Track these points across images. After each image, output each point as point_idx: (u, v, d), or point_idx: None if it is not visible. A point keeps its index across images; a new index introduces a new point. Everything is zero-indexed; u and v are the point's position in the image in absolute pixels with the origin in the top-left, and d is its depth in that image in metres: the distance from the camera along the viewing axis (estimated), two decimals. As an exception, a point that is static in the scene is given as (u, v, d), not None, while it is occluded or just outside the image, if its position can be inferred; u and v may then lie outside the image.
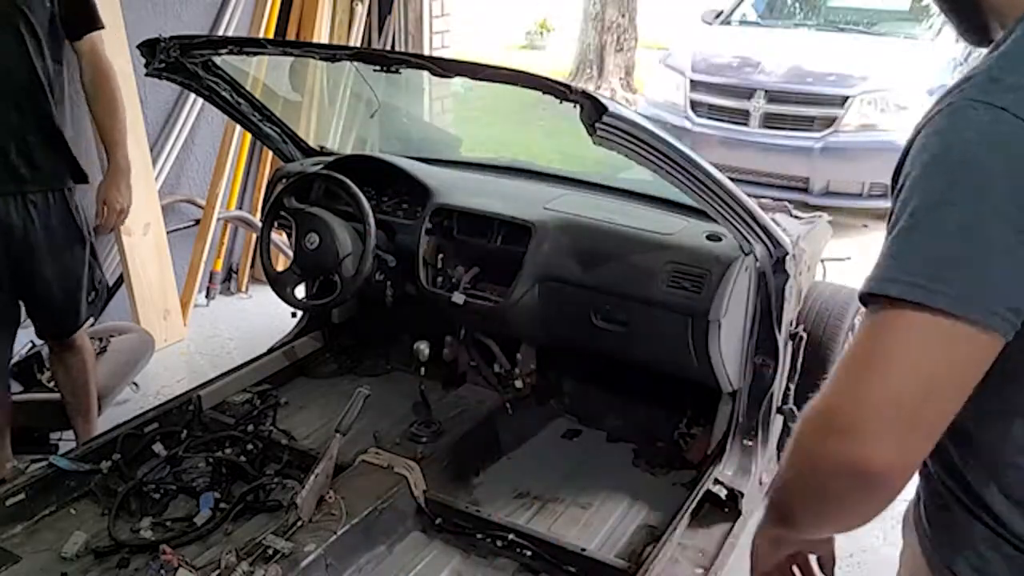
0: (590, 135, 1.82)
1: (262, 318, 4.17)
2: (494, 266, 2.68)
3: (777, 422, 2.60)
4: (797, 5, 7.08)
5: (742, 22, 6.77)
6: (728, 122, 5.68)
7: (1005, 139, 0.85)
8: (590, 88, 2.35)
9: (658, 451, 2.79)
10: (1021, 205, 0.84)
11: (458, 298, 2.64)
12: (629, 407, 2.92)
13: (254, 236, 4.32)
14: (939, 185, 0.87)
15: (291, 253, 2.75)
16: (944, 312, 0.84)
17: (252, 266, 4.54)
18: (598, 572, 2.17)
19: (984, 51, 0.97)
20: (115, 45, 3.49)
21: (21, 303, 2.66)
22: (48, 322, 2.72)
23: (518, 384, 2.87)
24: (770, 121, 5.55)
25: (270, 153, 3.27)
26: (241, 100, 2.76)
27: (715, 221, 2.30)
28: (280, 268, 3.12)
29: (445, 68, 1.99)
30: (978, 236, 0.84)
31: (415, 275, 2.73)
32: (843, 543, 2.88)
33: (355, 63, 2.19)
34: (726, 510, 2.35)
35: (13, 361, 3.01)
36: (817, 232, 2.86)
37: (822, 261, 2.99)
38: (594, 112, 1.78)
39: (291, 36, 4.41)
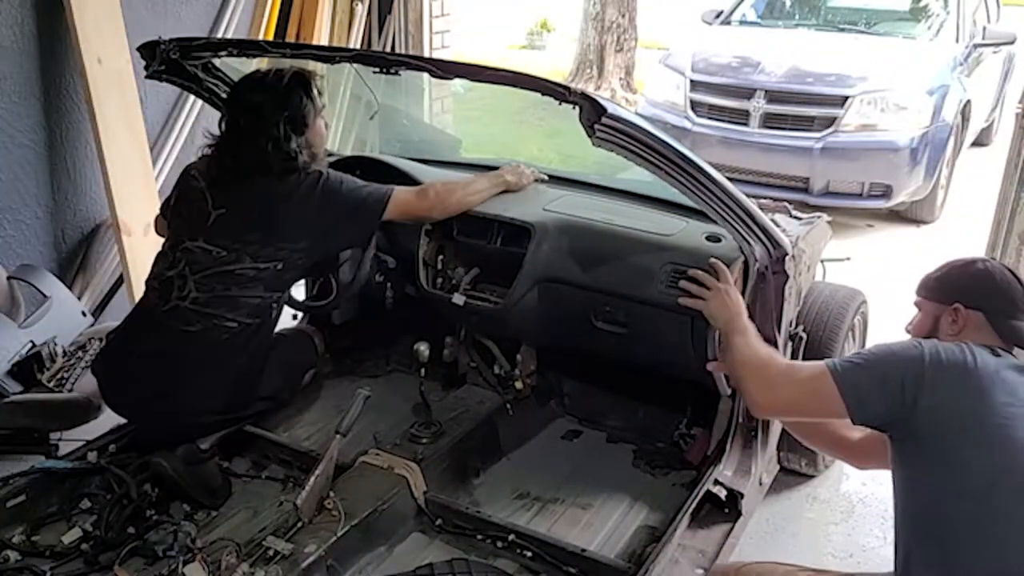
0: (589, 136, 1.83)
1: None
2: (494, 267, 2.68)
3: (777, 422, 2.60)
4: (797, 5, 7.08)
5: (742, 22, 6.77)
6: (728, 122, 5.67)
7: None
8: (589, 89, 2.36)
9: (658, 451, 2.79)
10: None
11: (458, 299, 2.64)
12: (629, 408, 2.93)
13: (254, 237, 4.31)
14: None
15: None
16: None
17: (252, 267, 4.54)
18: (598, 572, 2.17)
19: None
20: (115, 46, 3.50)
21: None
22: None
23: (518, 385, 2.87)
24: (770, 121, 5.55)
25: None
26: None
27: (714, 222, 2.30)
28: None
29: (445, 70, 1.99)
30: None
31: (415, 276, 2.73)
32: (843, 543, 2.90)
33: (354, 65, 2.19)
34: (726, 511, 2.35)
35: (13, 361, 3.02)
36: (817, 232, 2.86)
37: (822, 261, 2.99)
38: (593, 113, 1.79)
39: (291, 37, 4.41)
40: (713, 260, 2.30)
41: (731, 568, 2.01)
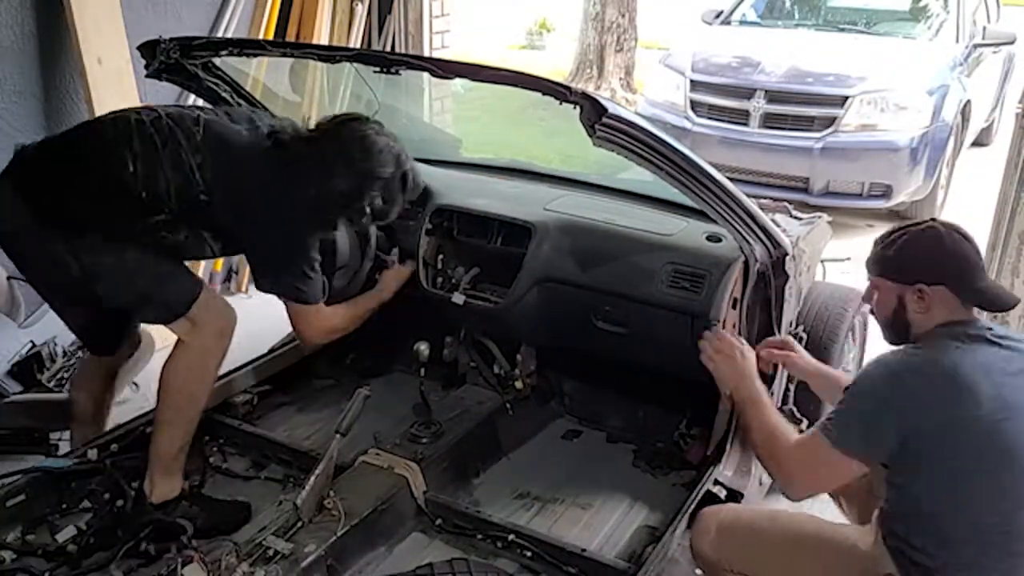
0: (590, 136, 1.83)
1: (262, 318, 4.16)
2: (494, 267, 2.68)
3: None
4: (797, 5, 7.08)
5: (742, 22, 6.76)
6: (728, 122, 5.67)
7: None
8: (590, 89, 2.36)
9: (658, 451, 2.79)
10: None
11: (458, 299, 2.64)
12: (629, 408, 2.93)
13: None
14: None
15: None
16: None
17: (252, 266, 4.53)
18: (598, 572, 2.17)
19: None
20: (115, 46, 3.50)
21: None
22: None
23: (518, 385, 2.87)
24: (770, 121, 5.54)
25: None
26: (241, 101, 2.76)
27: (715, 222, 2.30)
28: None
29: (445, 69, 1.99)
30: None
31: (415, 276, 2.73)
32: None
33: (355, 64, 2.19)
34: (726, 511, 2.35)
35: (13, 361, 3.02)
36: (817, 232, 2.86)
37: (822, 261, 2.98)
38: (594, 113, 1.79)
39: (291, 36, 4.41)
40: (710, 333, 2.24)
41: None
